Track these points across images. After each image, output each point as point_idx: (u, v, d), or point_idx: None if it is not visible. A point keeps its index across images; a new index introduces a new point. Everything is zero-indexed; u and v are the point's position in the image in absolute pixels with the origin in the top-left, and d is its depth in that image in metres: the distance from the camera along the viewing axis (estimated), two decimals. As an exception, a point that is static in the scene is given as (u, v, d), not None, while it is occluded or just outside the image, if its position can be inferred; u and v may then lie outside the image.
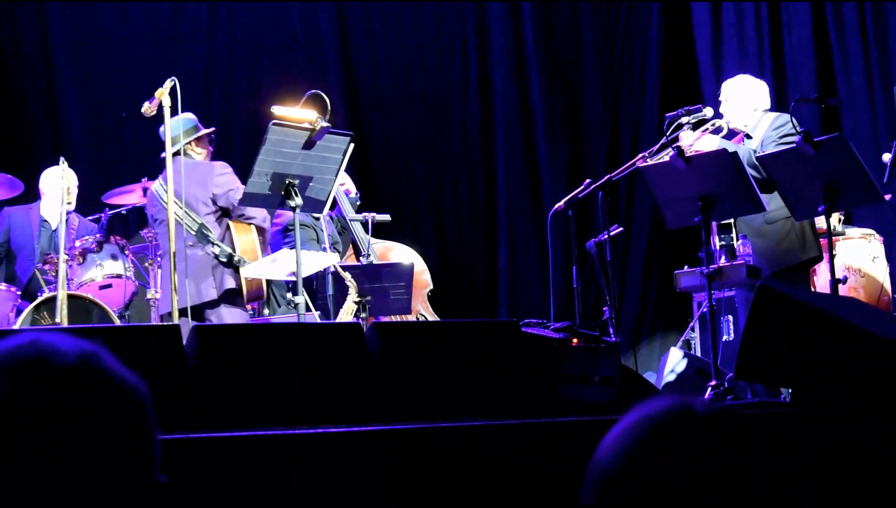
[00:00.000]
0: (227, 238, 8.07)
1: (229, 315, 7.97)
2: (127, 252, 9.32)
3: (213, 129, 8.27)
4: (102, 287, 9.07)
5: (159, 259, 9.11)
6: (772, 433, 1.74)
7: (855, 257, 9.38)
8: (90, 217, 9.71)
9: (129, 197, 9.50)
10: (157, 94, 7.67)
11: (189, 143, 8.30)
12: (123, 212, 9.79)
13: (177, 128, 8.07)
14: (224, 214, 8.12)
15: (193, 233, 7.98)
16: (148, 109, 7.73)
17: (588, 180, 8.47)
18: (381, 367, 5.21)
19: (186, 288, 7.73)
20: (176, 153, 8.12)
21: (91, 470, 1.54)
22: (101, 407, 1.57)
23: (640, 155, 8.11)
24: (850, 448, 4.73)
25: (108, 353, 1.62)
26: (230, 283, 7.99)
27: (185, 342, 4.93)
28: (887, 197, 7.78)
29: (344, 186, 8.86)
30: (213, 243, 7.96)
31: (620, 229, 8.85)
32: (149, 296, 9.08)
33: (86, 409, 1.56)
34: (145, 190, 9.16)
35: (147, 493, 1.59)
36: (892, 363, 5.09)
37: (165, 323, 7.77)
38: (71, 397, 1.55)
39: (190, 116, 8.30)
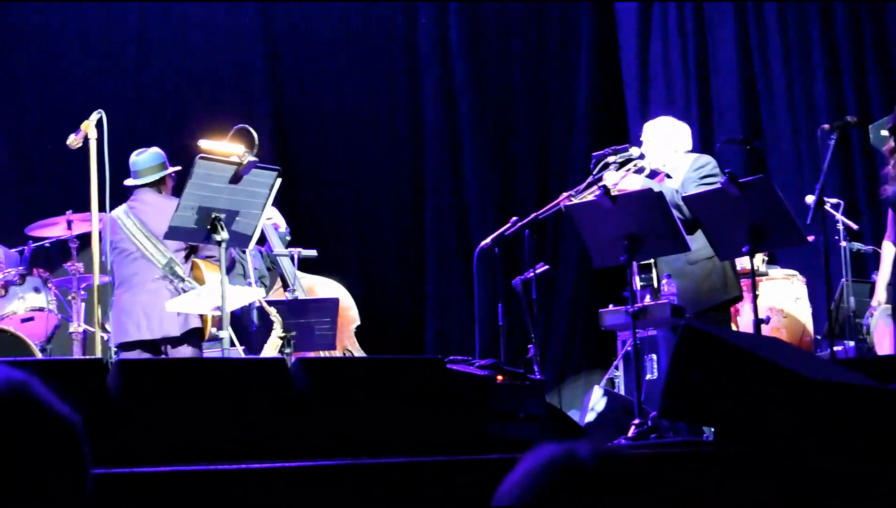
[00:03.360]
0: (193, 277, 8.02)
1: (190, 354, 7.93)
2: (50, 285, 9.25)
3: (179, 168, 8.22)
4: (24, 320, 8.99)
5: (83, 292, 9.05)
6: (688, 473, 1.75)
7: (777, 298, 9.46)
8: (13, 249, 9.61)
9: (53, 229, 9.42)
10: (83, 126, 7.67)
11: (161, 179, 8.27)
12: (47, 245, 9.69)
13: (151, 159, 8.15)
14: (192, 251, 8.09)
15: (161, 267, 7.94)
16: (74, 140, 7.71)
17: (515, 218, 8.50)
18: (306, 402, 5.19)
19: (143, 321, 7.74)
20: (145, 185, 8.15)
21: (22, 502, 1.52)
22: (32, 438, 1.55)
23: (566, 194, 8.15)
24: (773, 488, 4.76)
25: (39, 383, 1.60)
26: (195, 322, 7.95)
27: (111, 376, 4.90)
28: (810, 239, 7.87)
29: (272, 220, 8.84)
30: (181, 279, 7.92)
31: (546, 267, 8.89)
32: (71, 330, 8.99)
33: (16, 439, 1.54)
34: (69, 222, 9.11)
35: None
36: (814, 403, 5.13)
37: (90, 357, 7.72)
38: (1, 426, 1.53)
39: (157, 151, 8.31)
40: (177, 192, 7.69)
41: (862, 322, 9.33)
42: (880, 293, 8.17)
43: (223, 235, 7.06)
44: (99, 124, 7.64)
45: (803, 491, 4.77)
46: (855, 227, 9.91)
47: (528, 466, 1.67)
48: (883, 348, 8.22)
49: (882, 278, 8.17)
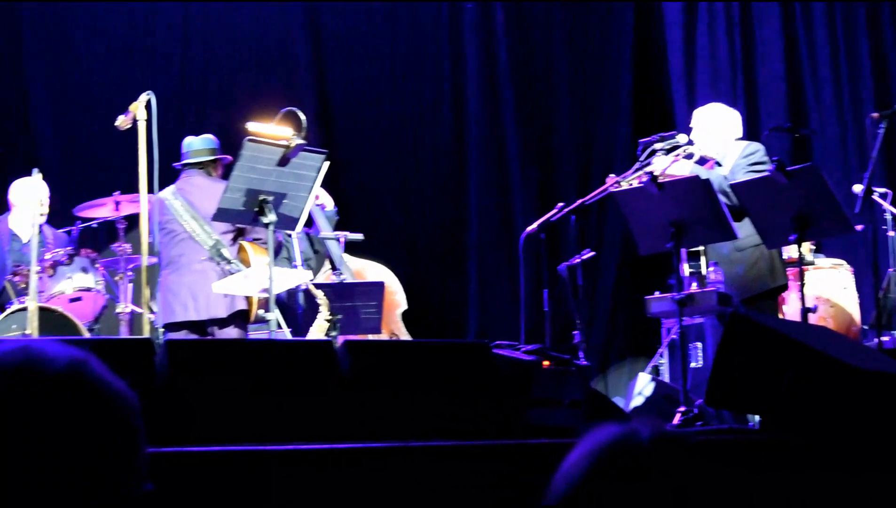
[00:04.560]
0: (239, 259, 8.06)
1: (236, 336, 7.96)
2: (97, 265, 9.30)
3: (230, 157, 8.27)
4: (72, 300, 9.04)
5: (130, 273, 9.10)
6: (733, 460, 1.75)
7: (825, 287, 9.41)
8: (61, 230, 9.66)
9: (100, 210, 9.47)
10: (131, 107, 7.71)
11: (212, 162, 8.35)
12: (94, 225, 9.74)
13: (205, 143, 8.25)
14: (239, 234, 8.14)
15: (208, 249, 8.00)
16: (123, 121, 7.76)
17: (560, 204, 8.49)
18: (351, 385, 5.20)
19: (189, 302, 7.80)
20: (193, 167, 8.24)
21: (80, 478, 1.54)
22: (90, 415, 1.57)
23: (613, 180, 8.13)
24: (819, 477, 4.75)
25: (97, 361, 1.62)
26: (241, 304, 7.99)
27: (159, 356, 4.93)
28: (858, 228, 7.83)
29: (318, 199, 8.85)
30: (228, 261, 7.96)
31: (592, 253, 8.87)
32: (118, 310, 9.04)
33: (75, 416, 1.55)
34: (117, 203, 9.17)
35: (135, 502, 1.58)
36: (861, 393, 5.12)
37: (138, 337, 7.77)
38: (61, 403, 1.55)
39: (212, 137, 8.41)
40: (226, 177, 7.73)
41: None
42: None
43: (271, 217, 7.09)
44: (148, 106, 7.68)
45: (848, 481, 4.76)
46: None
47: (589, 446, 1.67)
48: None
49: None
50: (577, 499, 1.63)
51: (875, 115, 8.12)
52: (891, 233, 9.51)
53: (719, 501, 1.65)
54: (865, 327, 9.94)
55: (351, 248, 9.16)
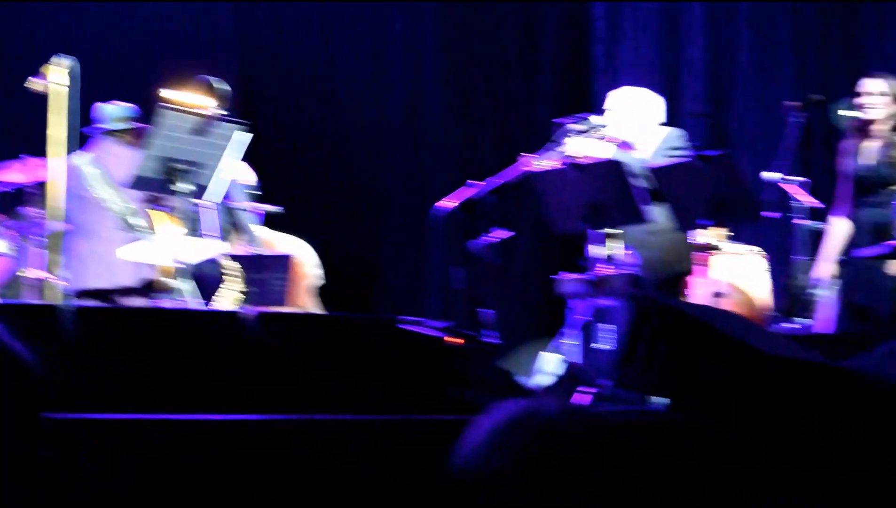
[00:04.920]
0: (152, 228, 7.99)
1: (145, 304, 7.90)
2: (6, 230, 9.18)
3: (147, 126, 8.19)
4: (-18, 265, 8.93)
5: (40, 239, 8.99)
6: (638, 441, 1.76)
7: (737, 273, 9.48)
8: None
9: (9, 174, 9.33)
10: (45, 70, 7.61)
11: (128, 130, 8.26)
12: (6, 190, 9.61)
13: (121, 111, 8.16)
14: (153, 202, 8.06)
15: (120, 217, 7.92)
16: (36, 84, 7.66)
17: (476, 182, 8.49)
18: (259, 356, 5.19)
19: (98, 270, 7.72)
20: (109, 134, 8.15)
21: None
22: None
23: (530, 159, 8.14)
24: (724, 461, 4.78)
25: (1, 325, 1.60)
26: (151, 272, 7.92)
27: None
28: (773, 215, 7.90)
29: (239, 174, 8.79)
30: (140, 229, 7.89)
31: (507, 231, 8.88)
32: (26, 275, 8.91)
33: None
34: (27, 167, 9.05)
35: (29, 467, 1.57)
36: (770, 379, 5.17)
37: (45, 302, 7.69)
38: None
39: (130, 105, 8.33)
40: (142, 146, 7.66)
41: (806, 294, 9.39)
42: (824, 267, 8.23)
43: (186, 186, 7.04)
44: (71, 72, 7.60)
45: (752, 465, 4.80)
46: (814, 205, 9.95)
47: (496, 420, 1.68)
48: (824, 320, 8.30)
49: (830, 249, 8.22)
50: (483, 472, 1.64)
51: (791, 103, 8.20)
52: (802, 222, 9.60)
53: (622, 478, 1.66)
54: (775, 313, 10.03)
55: (268, 220, 9.11)
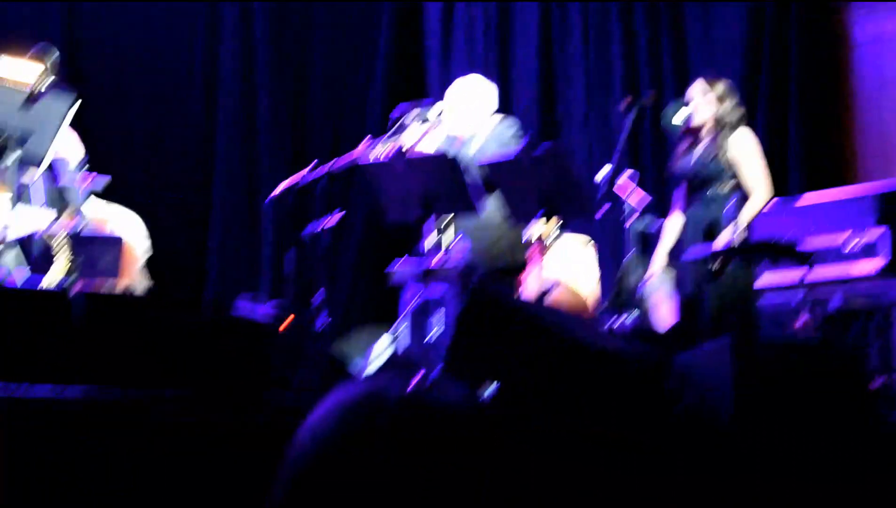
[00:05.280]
0: None
1: None
2: None
3: None
4: None
5: None
6: (465, 431, 1.77)
7: (566, 265, 9.57)
8: None
9: None
10: None
11: None
12: None
13: None
14: None
15: None
16: None
17: (309, 168, 8.47)
18: (84, 335, 5.12)
19: None
20: None
21: None
22: None
23: (363, 148, 8.14)
24: (545, 454, 4.84)
25: None
26: None
27: None
28: (602, 210, 8.01)
29: (67, 147, 8.64)
30: None
31: (338, 214, 8.87)
32: None
33: None
34: None
35: None
36: (596, 372, 5.24)
37: None
38: None
39: None
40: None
41: (637, 291, 9.55)
42: (657, 264, 8.39)
43: (13, 156, 6.90)
44: None
45: (575, 459, 4.86)
46: (644, 202, 10.10)
47: (335, 403, 1.67)
48: (658, 316, 8.44)
49: (664, 247, 8.38)
50: (321, 455, 1.63)
51: (623, 104, 8.32)
52: (631, 218, 9.74)
53: (454, 465, 1.67)
54: (603, 307, 10.17)
55: (97, 191, 8.96)
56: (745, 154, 8.07)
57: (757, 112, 10.41)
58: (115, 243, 8.29)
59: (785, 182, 10.39)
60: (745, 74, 11.14)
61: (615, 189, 8.04)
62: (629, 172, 9.47)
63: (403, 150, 7.42)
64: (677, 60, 11.85)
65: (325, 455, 1.63)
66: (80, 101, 7.22)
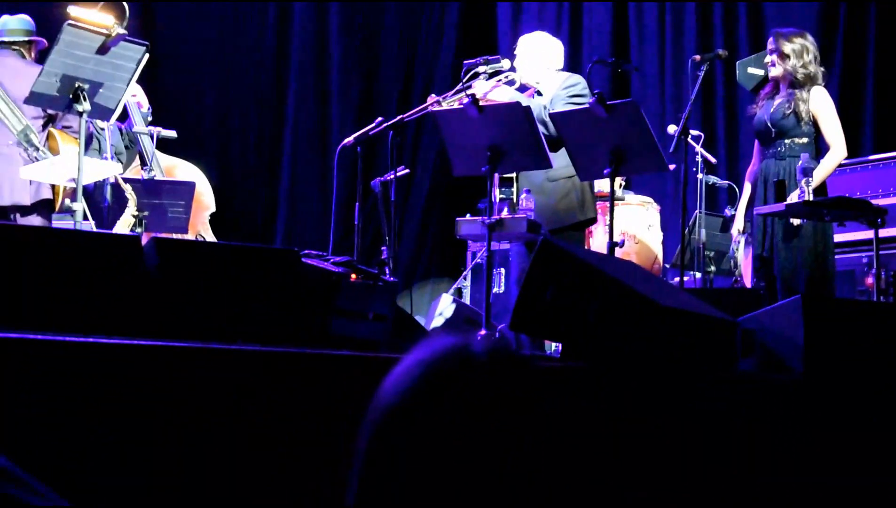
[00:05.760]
0: (48, 147, 7.89)
1: (39, 224, 7.81)
2: None
3: (45, 41, 8.06)
4: None
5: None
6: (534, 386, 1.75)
7: (631, 223, 9.56)
8: None
9: None
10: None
11: (27, 43, 8.13)
12: None
13: (20, 23, 8.04)
14: (49, 120, 7.95)
15: (16, 133, 7.79)
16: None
17: (380, 119, 8.46)
18: (157, 283, 5.13)
19: None
20: (6, 47, 8.01)
21: None
22: None
23: (434, 98, 8.12)
24: (614, 409, 4.83)
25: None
26: (46, 192, 7.82)
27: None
28: (671, 167, 7.95)
29: (136, 97, 8.67)
30: (36, 148, 7.77)
31: (406, 170, 8.87)
32: None
33: None
34: None
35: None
36: (661, 329, 5.21)
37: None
38: None
39: (28, 17, 8.19)
40: (40, 61, 7.54)
41: (727, 253, 9.49)
42: (739, 223, 8.33)
43: (85, 105, 6.93)
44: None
45: (643, 414, 4.85)
46: (713, 160, 10.06)
47: (420, 356, 1.65)
48: (747, 276, 8.39)
49: (741, 209, 8.32)
50: (406, 409, 1.61)
51: (696, 57, 8.23)
52: (700, 175, 9.70)
53: (539, 422, 1.65)
54: (667, 265, 10.15)
55: (163, 145, 9.02)
56: (825, 110, 7.97)
57: (832, 71, 10.30)
58: (187, 188, 8.33)
59: (858, 141, 10.32)
60: (821, 26, 11.06)
61: (685, 144, 7.98)
62: (695, 132, 9.43)
63: (476, 98, 7.38)
64: (752, 16, 11.77)
65: (412, 411, 1.62)
66: (148, 53, 7.24)
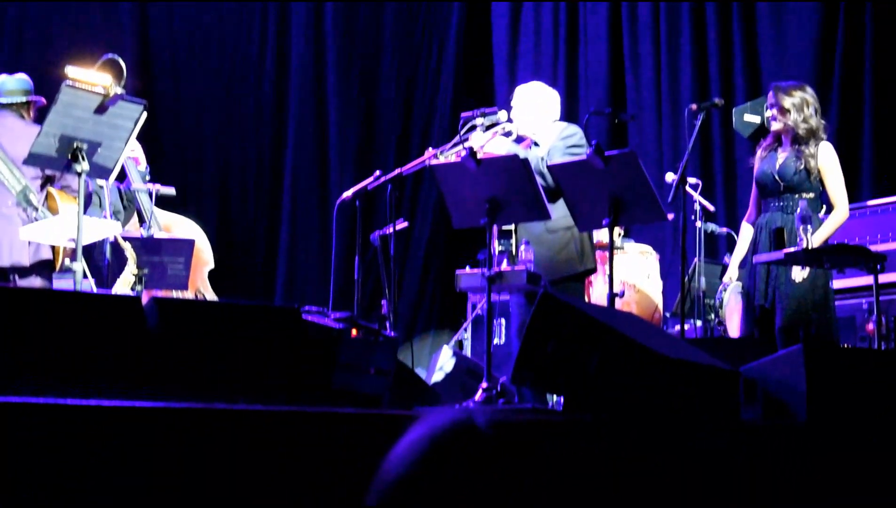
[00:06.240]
0: (47, 207, 7.91)
1: (39, 285, 7.82)
2: None
3: (44, 100, 8.09)
4: None
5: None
6: (537, 440, 1.75)
7: (631, 273, 9.56)
8: None
9: None
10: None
11: (25, 103, 8.17)
12: None
13: (18, 84, 8.08)
14: (48, 181, 7.98)
15: (15, 193, 7.82)
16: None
17: (378, 172, 8.48)
18: (157, 343, 5.12)
19: None
20: (5, 108, 8.05)
21: None
22: None
23: (431, 152, 8.14)
24: (618, 461, 4.81)
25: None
26: (45, 253, 7.83)
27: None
28: (670, 216, 7.95)
29: (134, 154, 8.69)
30: (35, 208, 7.80)
31: (405, 223, 8.88)
32: None
33: None
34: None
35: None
36: (663, 380, 5.21)
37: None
38: None
39: (26, 77, 8.24)
40: (38, 121, 7.56)
41: (714, 298, 9.47)
42: (732, 270, 8.30)
43: (83, 165, 6.93)
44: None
45: (646, 464, 4.84)
46: (711, 208, 10.07)
47: (425, 430, 1.65)
48: (732, 324, 8.36)
49: (736, 256, 8.29)
50: (410, 484, 1.61)
51: (693, 106, 8.24)
52: (698, 223, 9.71)
53: (545, 487, 1.65)
54: (667, 314, 10.14)
55: (162, 202, 9.02)
56: (831, 167, 7.95)
57: (829, 115, 10.33)
58: (186, 245, 8.34)
59: (856, 186, 10.33)
60: (817, 75, 11.09)
61: (683, 193, 7.98)
62: (693, 180, 9.44)
63: (474, 151, 7.39)
64: (748, 63, 11.80)
65: (417, 484, 1.62)
66: (146, 112, 7.26)
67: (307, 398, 5.23)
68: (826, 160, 7.95)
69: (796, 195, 7.90)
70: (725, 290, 8.38)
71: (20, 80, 8.23)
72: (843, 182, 8.00)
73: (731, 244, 10.39)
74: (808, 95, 8.03)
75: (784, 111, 8.00)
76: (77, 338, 4.93)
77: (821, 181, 7.96)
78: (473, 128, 8.08)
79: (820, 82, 10.78)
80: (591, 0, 12.65)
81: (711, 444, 5.04)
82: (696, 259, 9.73)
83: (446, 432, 1.65)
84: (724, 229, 10.53)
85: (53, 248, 7.86)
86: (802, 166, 7.92)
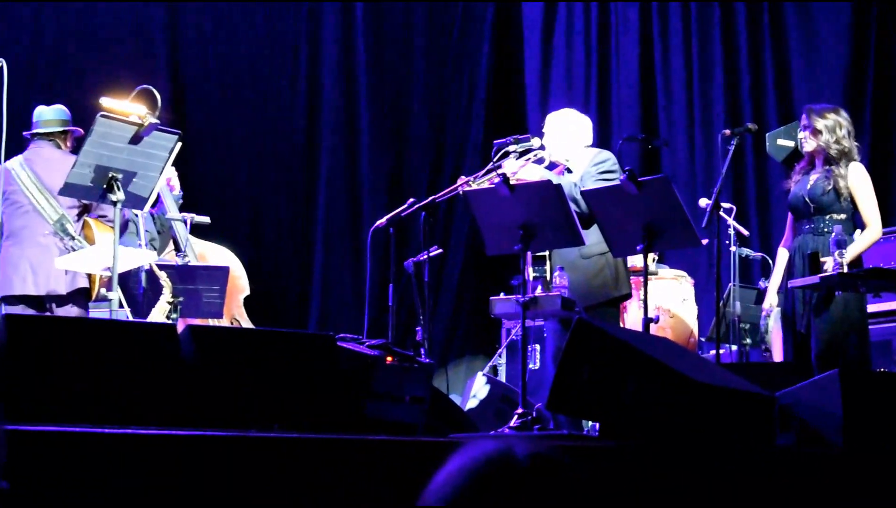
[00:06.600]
0: (83, 236, 7.97)
1: (75, 313, 7.87)
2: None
3: (81, 130, 8.15)
4: None
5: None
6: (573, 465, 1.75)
7: (666, 298, 9.54)
8: None
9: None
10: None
11: (62, 133, 8.24)
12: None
13: (56, 114, 8.14)
14: (84, 210, 8.04)
15: (52, 223, 7.88)
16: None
17: (412, 200, 8.49)
18: (193, 371, 5.14)
19: (29, 276, 7.65)
20: (43, 138, 8.11)
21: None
22: None
23: (464, 179, 8.14)
24: (655, 487, 4.81)
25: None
26: (82, 281, 7.88)
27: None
28: (704, 241, 7.94)
29: (170, 180, 8.72)
30: (72, 237, 7.86)
31: (439, 250, 8.88)
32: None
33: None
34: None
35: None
36: (698, 405, 5.20)
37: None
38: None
39: (64, 108, 8.30)
40: (75, 151, 7.60)
41: (759, 325, 9.42)
42: (772, 296, 8.26)
43: (119, 195, 6.98)
44: (-1, 73, 7.50)
45: (682, 491, 4.83)
46: (745, 232, 10.05)
47: (464, 462, 1.65)
48: (776, 349, 8.33)
49: (774, 282, 8.26)
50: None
51: (727, 131, 8.23)
52: (732, 248, 9.69)
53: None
54: (702, 339, 10.11)
55: (196, 230, 9.06)
56: (862, 187, 7.92)
57: (862, 139, 10.30)
58: (221, 273, 8.38)
59: (891, 208, 10.30)
60: (850, 98, 11.09)
61: (717, 218, 7.96)
62: (727, 205, 9.43)
63: (507, 177, 7.39)
64: (780, 88, 11.79)
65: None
66: (181, 141, 7.30)
67: (342, 425, 5.24)
68: (856, 180, 7.92)
69: (827, 217, 7.87)
70: (769, 317, 8.35)
71: (58, 110, 8.29)
72: (876, 202, 7.96)
73: (765, 269, 10.37)
74: (842, 117, 8.00)
75: (816, 133, 7.98)
76: (113, 366, 4.96)
77: (852, 202, 7.93)
78: (506, 155, 8.08)
79: (852, 106, 10.74)
80: (621, 25, 12.66)
81: (746, 470, 5.03)
82: (730, 284, 9.71)
83: (485, 463, 1.65)
84: (759, 254, 10.50)
85: (90, 276, 7.91)
86: (831, 187, 7.89)
